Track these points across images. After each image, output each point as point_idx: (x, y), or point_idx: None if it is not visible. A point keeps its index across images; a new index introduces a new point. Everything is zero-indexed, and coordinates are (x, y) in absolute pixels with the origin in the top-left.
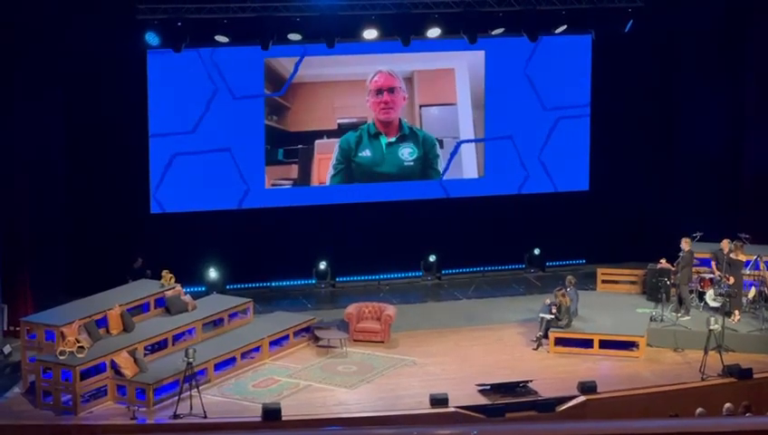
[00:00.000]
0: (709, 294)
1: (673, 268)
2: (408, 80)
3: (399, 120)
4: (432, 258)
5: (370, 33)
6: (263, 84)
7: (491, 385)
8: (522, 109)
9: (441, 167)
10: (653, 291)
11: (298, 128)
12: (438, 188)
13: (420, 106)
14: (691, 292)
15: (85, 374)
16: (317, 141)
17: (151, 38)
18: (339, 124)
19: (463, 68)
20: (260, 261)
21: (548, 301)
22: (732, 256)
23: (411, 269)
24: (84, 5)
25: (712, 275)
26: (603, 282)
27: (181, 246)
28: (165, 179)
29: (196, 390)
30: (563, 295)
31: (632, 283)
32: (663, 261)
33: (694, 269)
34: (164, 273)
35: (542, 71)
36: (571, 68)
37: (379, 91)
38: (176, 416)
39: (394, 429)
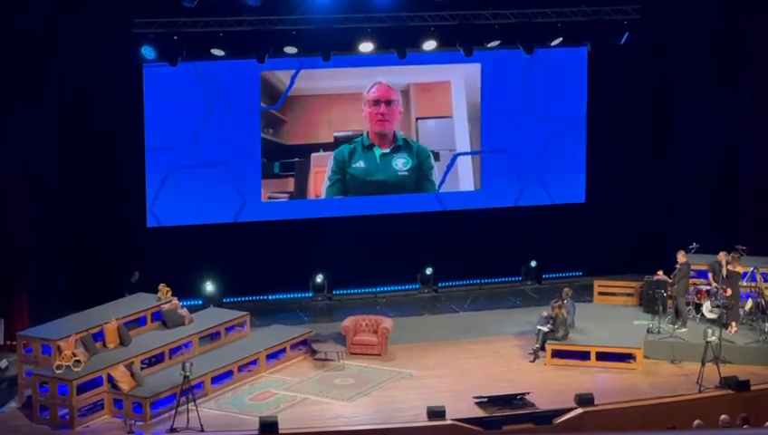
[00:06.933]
0: (706, 305)
1: (670, 280)
2: (404, 92)
3: (394, 132)
4: (429, 271)
5: (366, 46)
6: (259, 98)
7: (488, 398)
8: (518, 121)
9: (436, 178)
10: (650, 303)
11: (294, 141)
12: (435, 201)
13: (416, 119)
14: (688, 304)
15: (82, 388)
16: (313, 154)
17: (147, 52)
18: (335, 137)
19: (459, 80)
20: (257, 274)
21: (545, 313)
22: (729, 267)
23: (408, 282)
24: (80, 19)
25: (709, 287)
26: (600, 294)
27: (178, 259)
28: (161, 193)
29: (193, 403)
30: (560, 308)
31: (629, 295)
32: (660, 273)
33: (690, 281)
34: (161, 286)
35: (538, 83)
36: (567, 80)
37: (376, 102)
38: (173, 430)
39: None
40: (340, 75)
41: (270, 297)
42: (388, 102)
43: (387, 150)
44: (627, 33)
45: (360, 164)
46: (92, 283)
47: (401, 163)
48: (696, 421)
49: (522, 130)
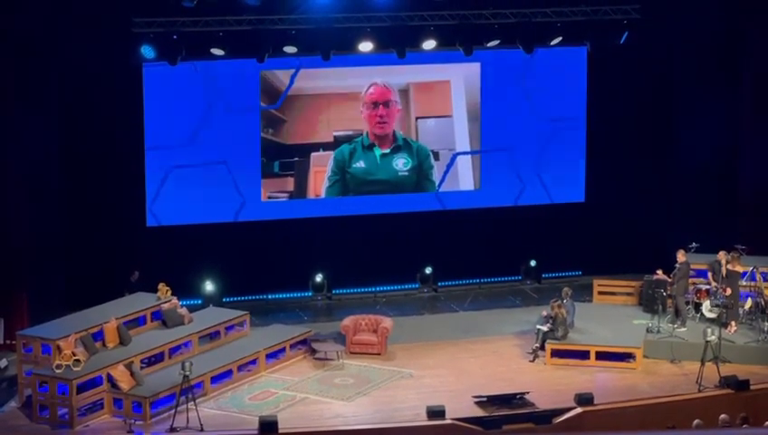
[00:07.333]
0: (706, 305)
1: (669, 279)
2: (404, 92)
3: (393, 131)
4: (428, 270)
5: (366, 46)
6: (258, 97)
7: (488, 397)
8: (517, 121)
9: (436, 178)
10: (649, 302)
11: (294, 140)
12: (434, 201)
13: (416, 118)
14: (687, 303)
15: (82, 388)
16: (313, 154)
17: (147, 51)
18: (335, 137)
19: (458, 80)
20: (256, 274)
21: (545, 313)
22: (728, 266)
23: (408, 281)
24: (80, 19)
25: (708, 287)
26: (600, 293)
27: (177, 259)
28: (161, 192)
29: (192, 403)
30: (560, 307)
31: (629, 294)
32: (659, 272)
33: (690, 280)
34: (160, 286)
35: (537, 82)
36: (566, 80)
37: (374, 105)
38: (172, 429)
39: None
40: (340, 75)
41: (269, 297)
42: (386, 103)
43: (387, 151)
44: (626, 33)
45: (361, 164)
46: (92, 282)
47: (402, 163)
48: (696, 421)
49: (521, 130)
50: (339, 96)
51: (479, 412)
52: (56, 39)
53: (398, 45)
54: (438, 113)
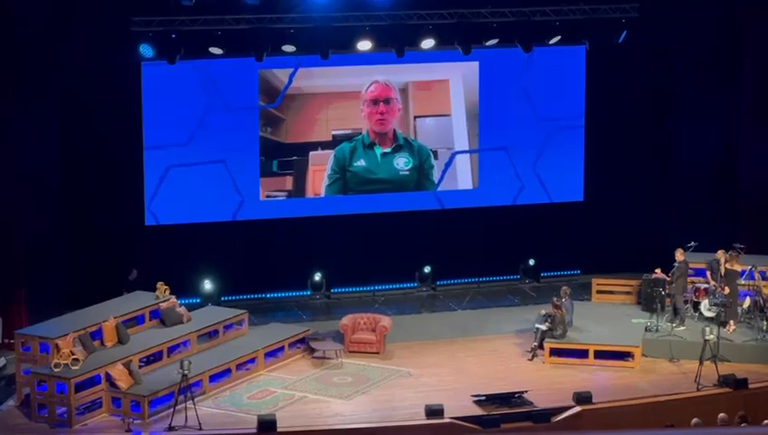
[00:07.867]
0: (704, 304)
1: (668, 278)
2: (403, 91)
3: (394, 130)
4: (427, 269)
5: (365, 45)
6: (257, 96)
7: (486, 396)
8: (516, 120)
9: (436, 178)
10: (648, 301)
11: (292, 139)
12: (433, 199)
13: (415, 117)
14: (686, 302)
15: (80, 387)
16: (311, 153)
17: (146, 50)
18: (333, 135)
19: (457, 79)
20: (255, 273)
21: (543, 311)
22: (727, 265)
23: (406, 280)
24: (79, 18)
25: (707, 286)
26: (598, 292)
27: (176, 257)
28: (159, 191)
29: (191, 401)
30: (558, 306)
31: (627, 293)
32: (658, 271)
33: (689, 279)
34: (159, 285)
35: (536, 82)
36: (565, 79)
37: (374, 102)
38: (171, 428)
39: None
40: (339, 74)
41: (268, 295)
42: (387, 101)
43: (388, 150)
44: (625, 32)
45: (362, 163)
46: (91, 281)
47: (402, 163)
48: (695, 420)
49: (520, 129)
50: (337, 95)
51: (478, 411)
52: (56, 38)
53: (396, 44)
54: (437, 112)
